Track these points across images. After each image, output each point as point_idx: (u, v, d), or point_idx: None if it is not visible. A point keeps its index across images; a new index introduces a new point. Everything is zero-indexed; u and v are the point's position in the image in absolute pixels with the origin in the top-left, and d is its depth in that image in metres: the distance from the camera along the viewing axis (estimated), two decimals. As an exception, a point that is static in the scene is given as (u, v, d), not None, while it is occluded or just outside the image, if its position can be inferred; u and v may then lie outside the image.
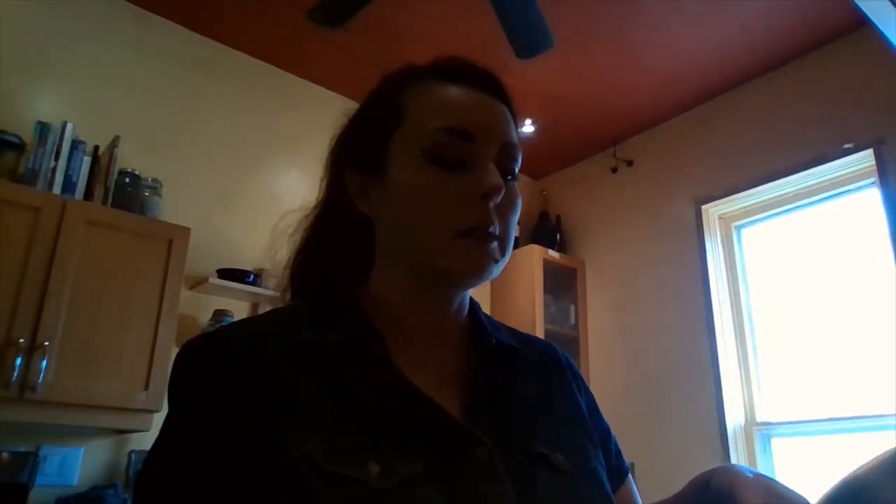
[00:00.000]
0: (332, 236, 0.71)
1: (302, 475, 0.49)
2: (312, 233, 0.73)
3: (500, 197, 0.60)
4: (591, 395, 0.77)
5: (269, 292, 2.71)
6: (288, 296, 0.74)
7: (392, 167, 0.63)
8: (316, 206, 0.74)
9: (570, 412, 0.70)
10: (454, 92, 0.64)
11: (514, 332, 0.75)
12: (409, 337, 0.64)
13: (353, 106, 0.75)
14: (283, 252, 0.74)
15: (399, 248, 0.64)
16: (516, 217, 0.64)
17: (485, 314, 0.72)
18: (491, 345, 0.66)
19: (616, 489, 0.73)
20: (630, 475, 0.77)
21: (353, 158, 0.68)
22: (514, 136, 0.65)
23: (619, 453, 0.76)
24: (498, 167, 0.62)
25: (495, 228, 0.60)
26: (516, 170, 0.65)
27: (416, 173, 0.61)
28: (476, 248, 0.60)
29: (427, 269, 0.62)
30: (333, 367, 0.57)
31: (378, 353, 0.59)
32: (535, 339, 0.78)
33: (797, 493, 0.56)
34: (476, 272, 0.60)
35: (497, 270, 0.62)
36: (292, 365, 0.56)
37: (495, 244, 0.61)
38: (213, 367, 0.56)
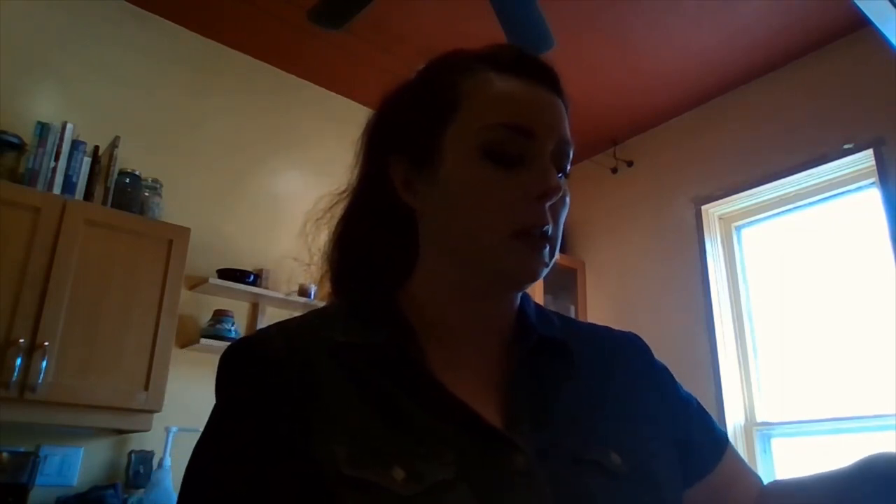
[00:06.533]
0: (371, 229, 0.68)
1: (326, 479, 0.49)
2: (349, 224, 0.70)
3: (557, 197, 0.58)
4: (666, 374, 0.71)
5: (270, 292, 2.71)
6: (326, 289, 0.71)
7: (446, 160, 0.60)
8: (349, 194, 0.70)
9: (633, 406, 0.64)
10: (513, 85, 0.61)
11: (569, 323, 0.70)
12: (449, 338, 0.61)
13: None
14: (307, 241, 0.72)
15: (450, 246, 0.61)
16: (565, 215, 0.62)
17: (536, 305, 0.68)
18: (532, 341, 0.62)
19: (716, 463, 0.67)
20: (730, 444, 0.70)
21: (400, 147, 0.64)
22: (569, 132, 0.62)
23: (707, 424, 0.70)
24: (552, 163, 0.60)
25: (549, 228, 0.59)
26: (568, 167, 0.63)
27: (472, 169, 0.59)
28: (530, 252, 0.58)
29: (481, 270, 0.60)
30: (367, 370, 0.56)
31: (413, 355, 0.57)
32: (599, 328, 0.73)
33: None
34: (530, 276, 0.59)
35: (545, 272, 0.60)
36: (327, 368, 0.56)
37: (547, 248, 0.59)
38: (249, 371, 0.57)
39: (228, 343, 0.66)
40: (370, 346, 0.57)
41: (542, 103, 0.61)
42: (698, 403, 0.71)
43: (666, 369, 0.72)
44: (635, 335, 0.74)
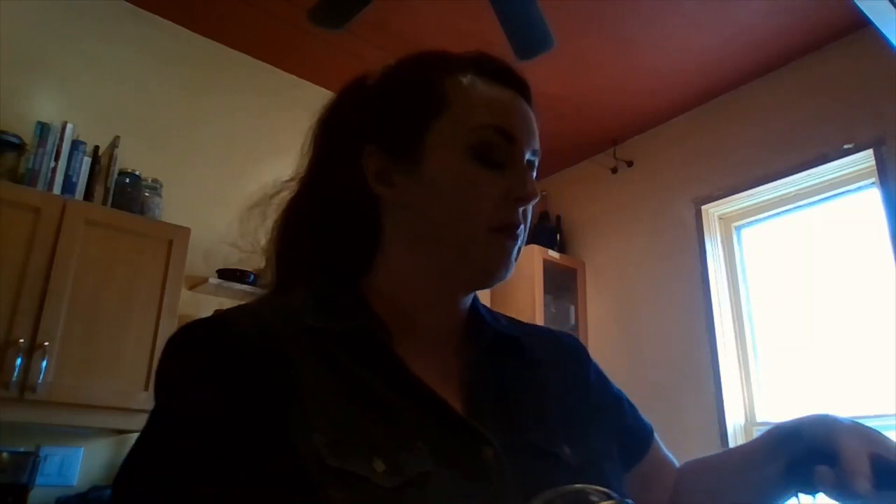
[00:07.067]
0: (332, 217, 0.68)
1: (307, 469, 0.48)
2: (306, 211, 0.69)
3: (534, 202, 0.62)
4: (602, 373, 0.76)
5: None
6: (269, 277, 0.69)
7: (431, 155, 0.62)
8: (306, 180, 0.70)
9: (579, 402, 0.68)
10: (499, 92, 0.64)
11: (515, 323, 0.74)
12: (413, 329, 0.63)
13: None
14: (247, 229, 0.71)
15: (429, 238, 0.62)
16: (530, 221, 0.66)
17: (484, 306, 0.71)
18: (489, 336, 0.65)
19: (646, 451, 0.74)
20: (655, 433, 0.77)
21: (377, 138, 0.65)
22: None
23: (636, 416, 0.76)
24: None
25: (521, 230, 0.62)
26: (534, 176, 0.66)
27: (461, 165, 0.61)
28: (506, 244, 0.61)
29: (459, 261, 0.62)
30: (340, 357, 0.55)
31: (385, 344, 0.57)
32: (539, 327, 0.77)
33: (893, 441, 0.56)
34: (503, 270, 0.62)
35: (511, 271, 0.63)
36: (299, 353, 0.54)
37: (518, 246, 0.62)
38: (216, 352, 0.53)
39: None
40: (343, 333, 0.57)
41: (524, 112, 0.65)
42: (627, 398, 0.77)
43: (601, 369, 0.77)
44: (573, 336, 0.79)
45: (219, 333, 0.55)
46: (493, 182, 0.61)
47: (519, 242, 0.62)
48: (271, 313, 0.59)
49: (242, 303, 0.67)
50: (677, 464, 0.78)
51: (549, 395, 0.66)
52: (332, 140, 0.69)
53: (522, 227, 0.62)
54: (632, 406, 0.76)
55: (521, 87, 0.66)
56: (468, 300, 0.67)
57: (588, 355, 0.76)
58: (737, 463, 0.71)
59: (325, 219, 0.68)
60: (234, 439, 0.49)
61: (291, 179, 0.71)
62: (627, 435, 0.72)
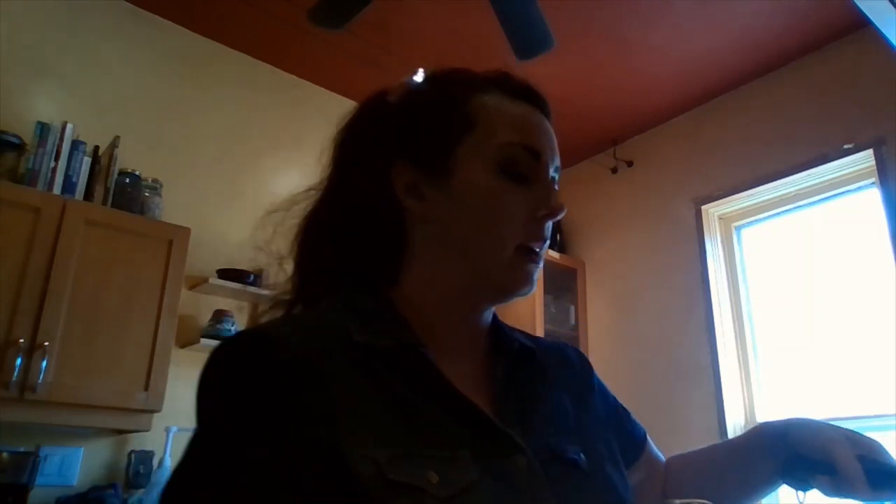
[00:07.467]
0: (353, 224, 0.69)
1: (364, 483, 0.48)
2: (325, 218, 0.70)
3: (560, 216, 0.64)
4: (599, 380, 0.79)
5: (270, 293, 2.70)
6: (295, 284, 0.70)
7: (461, 171, 0.64)
8: (332, 190, 0.71)
9: (587, 410, 0.72)
10: (525, 110, 0.68)
11: (526, 336, 0.76)
12: (441, 339, 0.64)
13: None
14: (269, 240, 0.73)
15: (457, 252, 0.64)
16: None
17: (499, 319, 0.73)
18: (515, 348, 0.68)
19: (641, 452, 0.79)
20: (647, 434, 0.82)
21: (409, 152, 0.66)
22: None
23: (631, 421, 0.80)
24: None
25: (544, 247, 0.65)
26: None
27: (491, 181, 0.63)
28: (529, 268, 0.64)
29: (486, 277, 0.64)
30: (380, 369, 0.56)
31: (425, 356, 0.59)
32: (548, 340, 0.80)
33: (874, 440, 0.62)
34: (526, 288, 0.64)
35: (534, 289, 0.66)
36: (346, 368, 0.55)
37: (540, 266, 0.65)
38: (264, 369, 0.52)
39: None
40: (387, 348, 0.58)
41: (547, 130, 0.68)
42: (621, 404, 0.81)
43: (600, 378, 0.80)
44: (575, 347, 0.83)
45: (265, 353, 0.54)
46: (521, 197, 0.63)
47: (540, 264, 0.65)
48: (317, 328, 0.59)
49: (259, 311, 0.68)
50: (664, 459, 0.83)
51: (562, 403, 0.68)
52: (354, 153, 0.70)
53: (547, 242, 0.65)
54: (626, 411, 0.80)
55: (543, 105, 0.70)
56: (490, 313, 0.70)
57: (590, 365, 0.80)
58: (724, 460, 0.77)
59: (346, 226, 0.69)
60: (280, 456, 0.49)
61: (311, 189, 0.73)
62: (625, 439, 0.76)
